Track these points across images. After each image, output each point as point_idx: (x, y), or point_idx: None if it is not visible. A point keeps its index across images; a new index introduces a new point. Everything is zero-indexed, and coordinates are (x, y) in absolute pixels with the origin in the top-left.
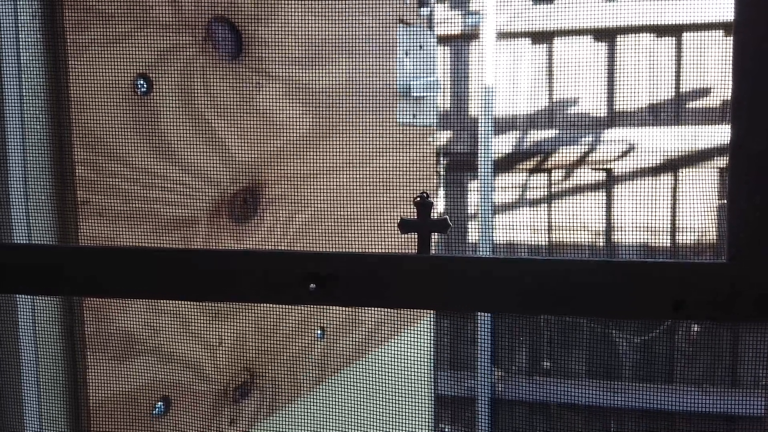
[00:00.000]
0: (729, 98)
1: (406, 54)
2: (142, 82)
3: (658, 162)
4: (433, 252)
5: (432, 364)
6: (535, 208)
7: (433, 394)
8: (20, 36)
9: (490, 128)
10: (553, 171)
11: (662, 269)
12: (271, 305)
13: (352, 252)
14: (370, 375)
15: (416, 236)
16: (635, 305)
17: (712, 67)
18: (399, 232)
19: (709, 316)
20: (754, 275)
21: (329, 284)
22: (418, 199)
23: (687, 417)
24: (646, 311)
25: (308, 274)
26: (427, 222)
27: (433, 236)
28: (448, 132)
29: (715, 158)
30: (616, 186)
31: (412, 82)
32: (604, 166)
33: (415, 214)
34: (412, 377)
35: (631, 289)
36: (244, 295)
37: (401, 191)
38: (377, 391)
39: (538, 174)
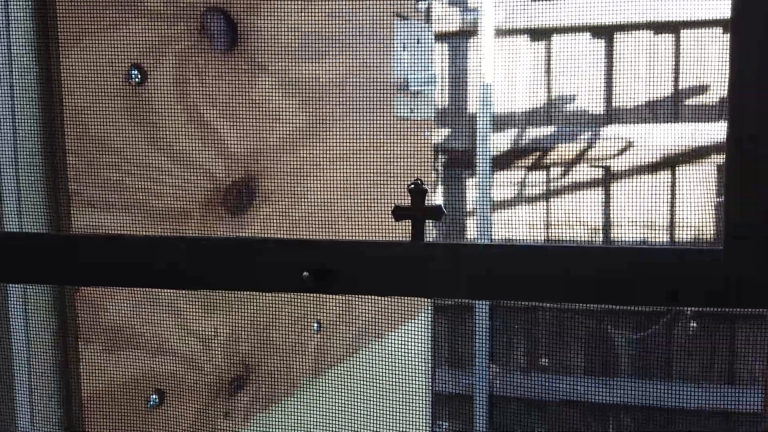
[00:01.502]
0: (726, 95)
1: (404, 48)
2: (135, 71)
3: (656, 159)
4: (428, 240)
5: (429, 361)
6: (533, 205)
7: (430, 391)
8: (11, 25)
9: (488, 125)
10: (551, 167)
11: (659, 257)
12: (266, 298)
13: (346, 240)
14: (367, 371)
15: (410, 224)
16: (631, 293)
17: (710, 64)
18: (394, 223)
19: (706, 304)
20: (750, 265)
21: (323, 273)
22: (412, 186)
23: (685, 413)
24: (643, 299)
25: (303, 262)
26: (421, 209)
27: (429, 230)
28: (447, 128)
29: (713, 155)
30: (614, 183)
31: (409, 77)
32: (603, 163)
33: (409, 202)
34: (409, 373)
35: (628, 277)
36: (237, 284)
37: (397, 184)
38: (374, 387)
39: (537, 170)
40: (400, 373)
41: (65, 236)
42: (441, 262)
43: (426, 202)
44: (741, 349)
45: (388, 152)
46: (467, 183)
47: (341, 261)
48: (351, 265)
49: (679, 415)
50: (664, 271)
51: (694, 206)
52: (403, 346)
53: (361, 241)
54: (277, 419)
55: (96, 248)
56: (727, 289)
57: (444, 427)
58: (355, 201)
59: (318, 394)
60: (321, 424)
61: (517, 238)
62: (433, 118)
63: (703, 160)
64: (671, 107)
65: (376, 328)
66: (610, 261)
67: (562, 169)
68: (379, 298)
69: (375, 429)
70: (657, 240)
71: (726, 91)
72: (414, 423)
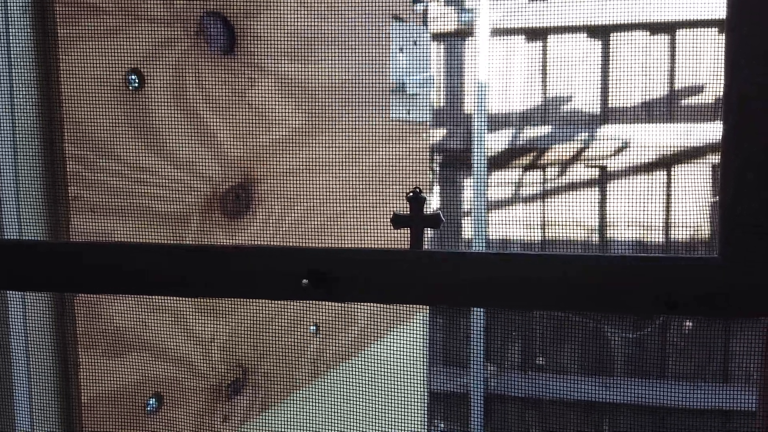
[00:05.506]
0: (722, 95)
1: (401, 50)
2: (133, 76)
3: (652, 159)
4: (426, 247)
5: (426, 361)
6: (529, 205)
7: (427, 390)
8: (10, 30)
9: (484, 125)
10: (547, 167)
11: (654, 265)
12: (264, 300)
13: (345, 248)
14: (364, 371)
15: (409, 231)
16: (627, 301)
17: (706, 64)
18: (392, 227)
19: (701, 312)
20: (746, 272)
21: (323, 280)
22: (411, 194)
23: (679, 412)
24: (638, 307)
25: (302, 270)
26: (419, 217)
27: (426, 232)
28: (443, 129)
29: (708, 155)
30: (610, 182)
31: (406, 79)
32: (599, 163)
33: (408, 209)
34: (406, 373)
35: (623, 285)
36: (237, 292)
37: (394, 187)
38: (371, 387)
39: (533, 170)
40: (398, 373)
41: (63, 243)
42: (440, 269)
43: (425, 209)
44: (735, 348)
45: (386, 154)
46: (463, 183)
47: (340, 268)
48: (350, 273)
49: (674, 414)
50: (663, 282)
51: (690, 206)
52: (400, 347)
53: (360, 248)
54: (275, 421)
55: (94, 255)
56: (723, 297)
57: (440, 426)
58: (353, 204)
59: (316, 396)
60: (319, 424)
61: (513, 238)
62: (430, 120)
63: (699, 160)
64: (667, 107)
65: (374, 329)
66: (609, 269)
67: (558, 169)
68: None
69: (374, 429)
70: (652, 240)
71: (721, 91)
72: (411, 422)
